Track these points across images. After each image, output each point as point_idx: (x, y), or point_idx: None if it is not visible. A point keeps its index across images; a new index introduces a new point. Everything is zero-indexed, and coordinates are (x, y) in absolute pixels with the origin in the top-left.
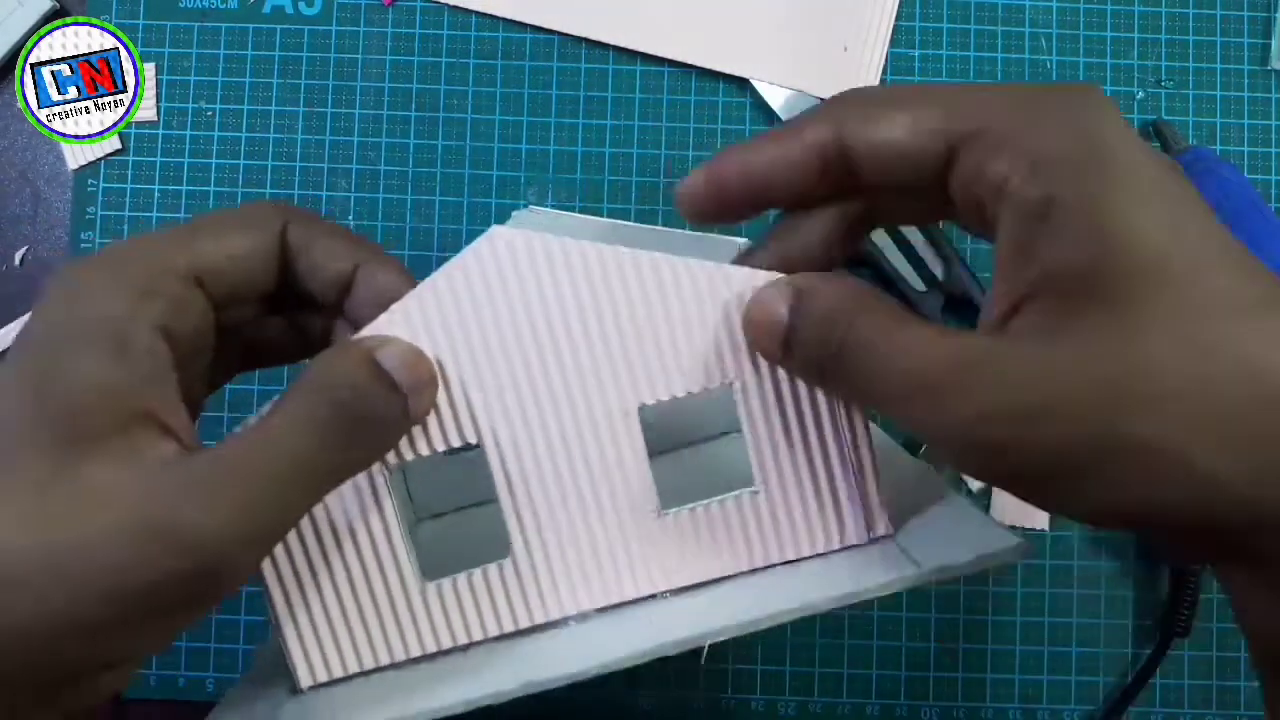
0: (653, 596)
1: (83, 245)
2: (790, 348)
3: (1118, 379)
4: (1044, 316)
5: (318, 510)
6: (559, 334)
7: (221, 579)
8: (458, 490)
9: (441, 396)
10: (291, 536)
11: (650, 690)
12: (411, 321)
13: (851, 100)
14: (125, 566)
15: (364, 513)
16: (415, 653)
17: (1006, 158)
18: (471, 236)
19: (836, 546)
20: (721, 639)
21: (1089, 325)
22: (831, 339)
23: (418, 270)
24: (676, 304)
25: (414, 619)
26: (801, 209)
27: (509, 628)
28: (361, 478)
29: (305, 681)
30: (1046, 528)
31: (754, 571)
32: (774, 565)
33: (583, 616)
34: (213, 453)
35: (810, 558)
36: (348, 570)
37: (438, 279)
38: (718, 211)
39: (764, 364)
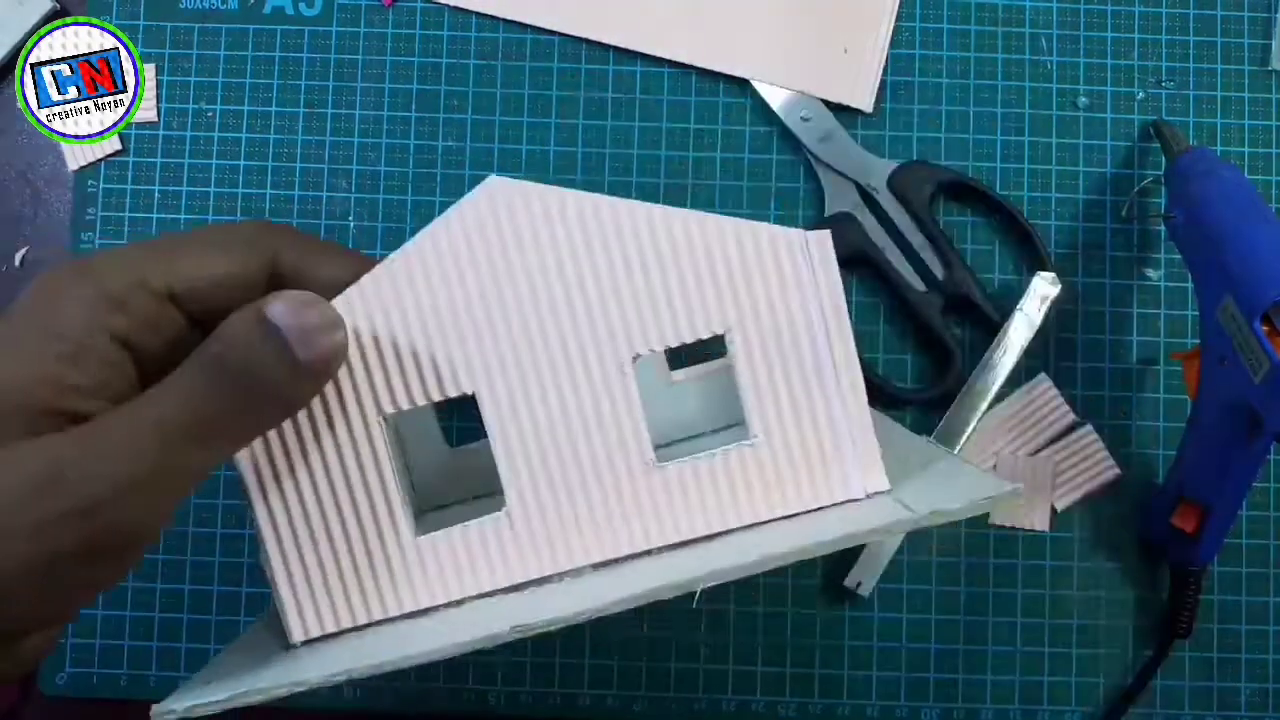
0: (647, 553)
1: (83, 245)
2: None
3: None
4: None
5: (315, 464)
6: (552, 285)
7: (118, 525)
8: (461, 483)
9: (433, 347)
10: (290, 492)
11: (651, 692)
12: (393, 280)
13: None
14: (21, 520)
15: (360, 468)
16: (408, 608)
17: None
18: None
19: (833, 501)
20: (714, 583)
21: None
22: None
23: None
24: (670, 254)
25: (407, 574)
26: None
27: (502, 583)
28: (359, 431)
29: (298, 636)
30: (1046, 528)
31: (749, 527)
32: (769, 521)
33: (576, 572)
34: (109, 411)
35: (806, 513)
36: (343, 525)
37: (432, 231)
38: None
39: (762, 314)
